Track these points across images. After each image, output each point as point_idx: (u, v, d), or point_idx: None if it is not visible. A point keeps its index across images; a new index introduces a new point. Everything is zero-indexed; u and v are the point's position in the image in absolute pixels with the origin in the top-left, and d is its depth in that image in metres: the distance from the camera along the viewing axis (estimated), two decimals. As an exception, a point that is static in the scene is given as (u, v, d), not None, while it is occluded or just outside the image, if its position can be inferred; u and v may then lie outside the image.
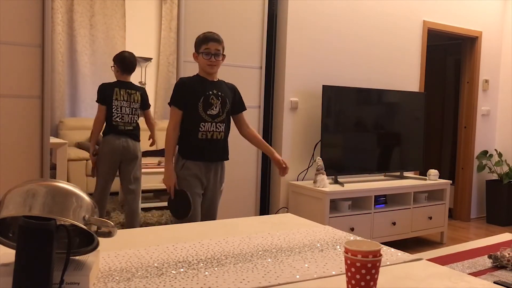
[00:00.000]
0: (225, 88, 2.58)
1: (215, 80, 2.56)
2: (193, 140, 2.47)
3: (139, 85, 4.12)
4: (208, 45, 2.46)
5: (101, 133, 3.98)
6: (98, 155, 3.94)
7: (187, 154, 2.49)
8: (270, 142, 3.98)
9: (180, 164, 2.50)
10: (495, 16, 5.37)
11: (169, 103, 2.57)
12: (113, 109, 3.86)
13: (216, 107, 2.48)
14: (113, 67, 4.11)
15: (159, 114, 7.11)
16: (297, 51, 3.96)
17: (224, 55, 2.53)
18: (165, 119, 7.08)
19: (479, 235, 4.62)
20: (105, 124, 3.88)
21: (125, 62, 4.06)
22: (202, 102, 2.45)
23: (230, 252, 1.29)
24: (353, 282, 0.96)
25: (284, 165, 2.62)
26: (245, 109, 2.68)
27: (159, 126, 6.96)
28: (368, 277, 0.95)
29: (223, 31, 3.52)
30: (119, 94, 3.94)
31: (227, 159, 2.61)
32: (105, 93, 3.94)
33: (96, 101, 3.83)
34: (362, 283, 0.95)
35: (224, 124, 2.52)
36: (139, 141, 4.00)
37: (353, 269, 0.95)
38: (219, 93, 2.51)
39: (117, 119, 3.87)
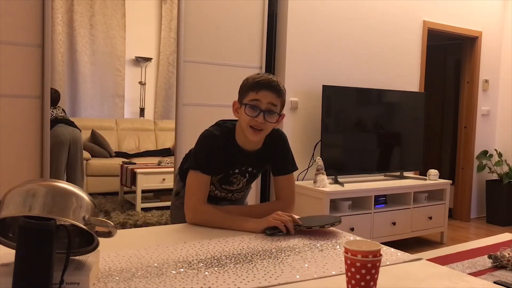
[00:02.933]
0: (265, 156, 1.75)
1: (255, 148, 1.71)
2: None
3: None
4: (259, 94, 1.58)
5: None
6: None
7: None
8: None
9: (176, 187, 1.92)
10: (495, 16, 5.37)
11: (192, 166, 1.66)
12: None
13: (238, 184, 1.78)
14: None
15: (159, 114, 7.14)
16: (297, 51, 3.96)
17: (281, 114, 1.65)
18: (165, 119, 7.12)
19: (479, 235, 4.62)
20: None
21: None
22: (221, 178, 1.74)
23: (230, 252, 1.29)
24: (353, 282, 0.96)
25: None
26: (288, 172, 1.80)
27: (158, 126, 7.00)
28: (368, 277, 0.95)
29: (223, 31, 3.53)
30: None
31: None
32: None
33: None
34: (362, 283, 0.95)
35: (244, 191, 1.86)
36: (77, 128, 4.71)
37: (353, 269, 0.95)
38: (250, 169, 1.75)
39: None
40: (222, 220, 1.58)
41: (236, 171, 1.72)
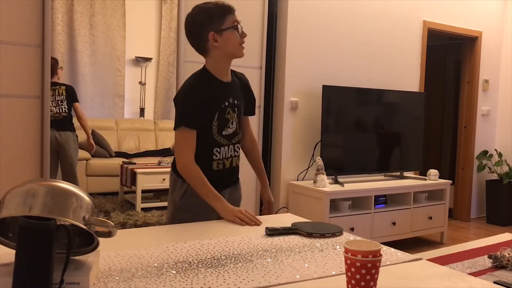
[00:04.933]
0: (240, 87, 1.87)
1: (230, 79, 1.81)
2: (205, 172, 1.73)
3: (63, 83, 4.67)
4: (235, 15, 1.72)
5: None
6: None
7: None
8: (270, 142, 3.98)
9: (181, 190, 1.81)
10: (495, 16, 5.37)
11: (175, 125, 1.72)
12: None
13: (232, 123, 1.80)
14: None
15: (159, 114, 7.14)
16: (297, 51, 3.96)
17: None
18: (165, 119, 7.13)
19: (479, 235, 4.62)
20: None
21: None
22: (217, 120, 1.75)
23: (230, 252, 1.29)
24: (353, 282, 0.96)
25: (268, 207, 2.04)
26: (254, 113, 2.00)
27: (158, 126, 7.01)
28: (368, 277, 0.95)
29: (223, 31, 3.53)
30: None
31: (237, 183, 1.98)
32: None
33: None
34: (362, 283, 0.95)
35: (240, 143, 1.89)
36: (70, 130, 4.55)
37: (353, 269, 0.95)
38: (235, 101, 1.80)
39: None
40: (201, 188, 1.70)
41: (226, 103, 1.77)
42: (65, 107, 4.56)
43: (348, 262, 0.96)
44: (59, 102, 4.52)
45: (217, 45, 1.71)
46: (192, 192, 1.75)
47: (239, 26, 1.71)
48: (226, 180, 1.86)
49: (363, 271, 0.94)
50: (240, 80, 1.88)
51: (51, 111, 4.36)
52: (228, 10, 1.70)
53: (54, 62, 4.57)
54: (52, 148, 4.43)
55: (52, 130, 4.43)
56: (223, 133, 1.78)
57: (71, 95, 4.58)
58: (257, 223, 1.63)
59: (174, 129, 1.72)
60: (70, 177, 4.62)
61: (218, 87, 1.75)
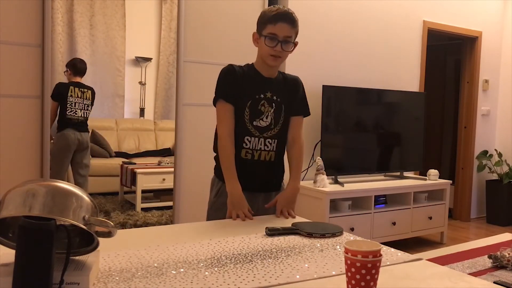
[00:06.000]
0: (285, 87, 1.90)
1: (273, 76, 1.89)
2: (235, 157, 1.81)
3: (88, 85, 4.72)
4: (276, 26, 1.75)
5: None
6: (55, 147, 4.37)
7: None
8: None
9: (215, 188, 1.90)
10: (495, 16, 5.37)
11: (214, 99, 1.84)
12: (68, 105, 4.41)
13: (267, 117, 1.84)
14: (65, 72, 4.67)
15: (159, 114, 7.14)
16: (297, 51, 3.94)
17: (295, 43, 1.83)
18: (164, 119, 7.12)
19: (479, 235, 4.62)
20: (58, 118, 4.41)
21: (77, 66, 4.62)
22: (250, 108, 1.81)
23: (230, 252, 1.29)
24: (353, 282, 0.96)
25: (281, 212, 1.81)
26: (305, 114, 1.96)
27: (158, 126, 6.99)
28: (368, 277, 0.95)
29: (223, 31, 3.53)
30: (74, 92, 4.47)
31: (279, 189, 1.95)
32: (59, 91, 4.43)
33: (50, 96, 4.24)
34: (362, 283, 0.95)
35: (276, 140, 1.86)
36: (87, 131, 4.66)
37: (353, 269, 0.95)
38: (274, 97, 1.85)
39: (71, 113, 4.45)
40: (224, 161, 1.80)
41: (262, 96, 1.83)
42: (89, 111, 4.61)
43: (348, 262, 0.96)
44: (86, 106, 4.56)
45: (256, 45, 1.85)
46: (225, 191, 1.80)
47: (275, 39, 1.76)
48: (257, 178, 1.87)
49: (363, 271, 0.94)
50: (288, 80, 1.93)
51: (75, 114, 4.43)
52: (271, 20, 1.76)
53: (84, 65, 4.70)
54: (72, 148, 4.47)
55: (74, 131, 4.47)
56: (254, 123, 1.83)
57: (93, 99, 4.68)
58: (250, 218, 1.73)
59: (214, 105, 1.84)
60: (84, 177, 4.66)
61: (256, 78, 1.85)
